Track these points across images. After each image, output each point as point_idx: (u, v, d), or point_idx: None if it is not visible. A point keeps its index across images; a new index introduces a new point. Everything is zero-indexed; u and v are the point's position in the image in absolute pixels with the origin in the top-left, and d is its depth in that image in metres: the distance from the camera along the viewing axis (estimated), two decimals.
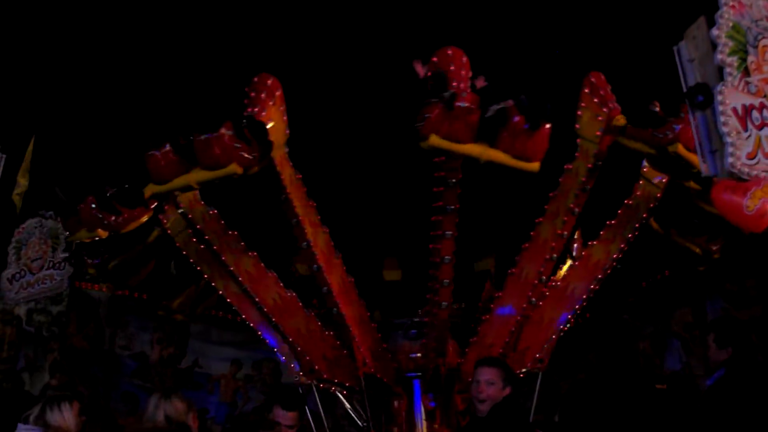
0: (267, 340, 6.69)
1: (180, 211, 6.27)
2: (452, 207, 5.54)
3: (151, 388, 9.91)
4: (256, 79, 5.56)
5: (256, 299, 6.21)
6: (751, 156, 3.71)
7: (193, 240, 6.48)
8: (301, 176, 5.86)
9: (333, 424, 6.72)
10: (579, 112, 5.78)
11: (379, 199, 6.51)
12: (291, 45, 6.75)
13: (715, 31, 3.77)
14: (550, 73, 5.48)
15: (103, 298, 10.29)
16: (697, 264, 6.77)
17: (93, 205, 5.64)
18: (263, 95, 5.49)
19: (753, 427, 4.76)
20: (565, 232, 6.04)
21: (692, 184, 6.12)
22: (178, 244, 6.50)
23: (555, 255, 6.12)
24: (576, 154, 5.92)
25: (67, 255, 7.23)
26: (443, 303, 5.96)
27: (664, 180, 6.16)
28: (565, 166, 6.00)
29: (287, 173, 5.72)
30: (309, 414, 6.27)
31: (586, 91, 5.74)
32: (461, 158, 5.16)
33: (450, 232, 5.62)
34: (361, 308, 6.24)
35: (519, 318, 6.19)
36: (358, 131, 6.49)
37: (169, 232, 6.49)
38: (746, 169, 3.70)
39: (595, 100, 5.69)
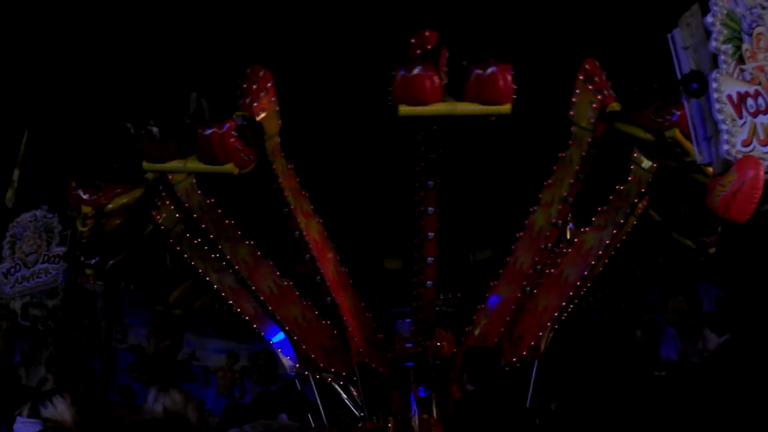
0: (263, 333, 6.69)
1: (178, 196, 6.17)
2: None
3: (147, 380, 9.90)
4: (248, 71, 5.53)
5: (252, 288, 6.19)
6: (747, 143, 3.72)
7: (186, 235, 6.50)
8: (293, 166, 5.86)
9: (330, 413, 6.70)
10: (573, 99, 5.76)
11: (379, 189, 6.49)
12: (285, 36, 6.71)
13: (709, 19, 3.77)
14: (546, 60, 5.46)
15: (98, 292, 10.26)
16: (693, 257, 6.84)
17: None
18: (254, 86, 5.51)
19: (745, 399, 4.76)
20: (559, 221, 6.04)
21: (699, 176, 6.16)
22: (171, 240, 6.49)
23: (549, 244, 6.11)
24: (569, 142, 5.91)
25: (63, 249, 7.17)
26: (427, 282, 6.01)
27: (654, 165, 6.15)
28: (559, 155, 5.97)
29: (279, 163, 5.73)
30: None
31: (581, 78, 5.71)
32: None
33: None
34: (355, 298, 6.24)
35: (513, 307, 6.16)
36: (358, 122, 6.45)
37: (162, 227, 6.45)
38: (741, 156, 3.71)
39: (590, 87, 5.67)
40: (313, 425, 6.22)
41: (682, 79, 3.86)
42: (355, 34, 6.20)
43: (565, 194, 5.95)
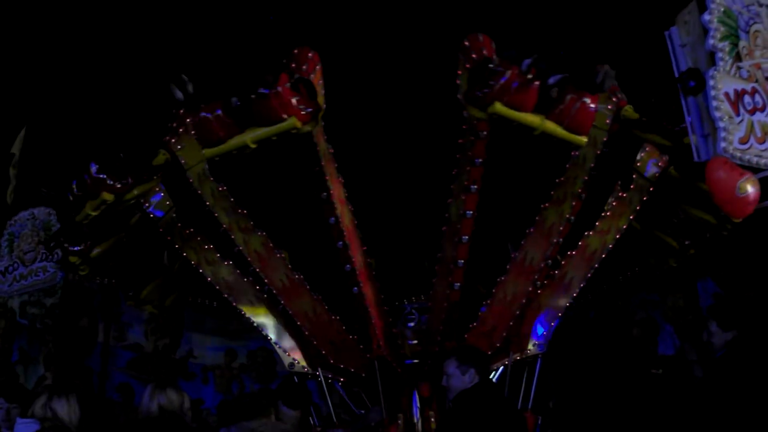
0: (260, 329, 6.57)
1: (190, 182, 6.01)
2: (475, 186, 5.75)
3: (146, 379, 9.89)
4: (296, 52, 5.59)
5: (265, 280, 6.12)
6: (744, 141, 3.73)
7: (178, 225, 6.30)
8: (333, 150, 5.88)
9: (328, 411, 6.67)
10: None
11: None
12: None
13: (706, 16, 3.78)
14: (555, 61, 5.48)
15: (96, 290, 10.25)
16: (673, 257, 7.03)
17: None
18: (304, 67, 5.55)
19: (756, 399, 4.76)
20: (572, 216, 6.13)
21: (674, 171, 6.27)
22: (161, 229, 6.28)
23: (560, 239, 6.17)
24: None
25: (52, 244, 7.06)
26: (456, 284, 6.01)
27: (656, 174, 6.30)
28: (572, 153, 6.07)
29: (322, 146, 5.74)
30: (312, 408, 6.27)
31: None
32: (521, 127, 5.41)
33: (471, 212, 5.82)
34: (377, 289, 6.21)
35: (524, 301, 6.19)
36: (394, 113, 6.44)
37: (151, 216, 6.25)
38: (738, 154, 3.72)
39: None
40: (311, 418, 6.21)
41: (679, 76, 3.87)
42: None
43: (579, 191, 6.07)
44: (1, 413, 5.74)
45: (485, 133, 5.60)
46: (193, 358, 11.03)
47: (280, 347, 6.44)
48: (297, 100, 5.37)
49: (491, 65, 5.34)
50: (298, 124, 5.43)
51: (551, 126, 5.46)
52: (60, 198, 5.93)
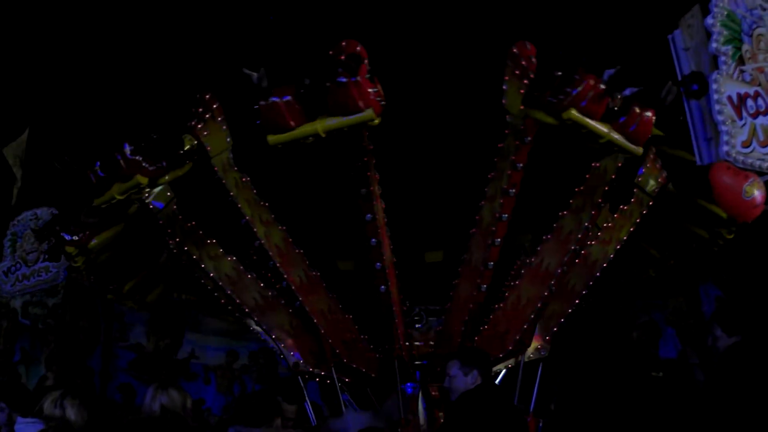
0: (261, 327, 6.50)
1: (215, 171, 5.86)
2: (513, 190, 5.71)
3: (147, 379, 9.90)
4: (344, 44, 5.31)
5: (284, 276, 6.05)
6: (746, 144, 3.74)
7: (179, 217, 6.18)
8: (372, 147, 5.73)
9: (331, 413, 6.67)
10: None
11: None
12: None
13: (709, 20, 3.78)
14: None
15: (99, 290, 10.25)
16: (652, 267, 7.26)
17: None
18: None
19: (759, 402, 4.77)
20: (591, 225, 6.18)
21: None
22: (161, 222, 6.13)
23: (578, 246, 6.21)
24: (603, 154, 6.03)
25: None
26: (483, 286, 6.01)
27: (656, 190, 6.40)
28: (593, 164, 6.10)
29: (366, 141, 5.63)
30: (308, 404, 6.26)
31: None
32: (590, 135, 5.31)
33: (507, 215, 5.80)
34: (399, 289, 6.17)
35: (539, 305, 6.21)
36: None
37: (151, 207, 6.10)
38: (741, 158, 3.72)
39: None
40: (311, 416, 6.23)
41: (682, 80, 3.87)
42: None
43: (599, 200, 6.11)
44: (3, 416, 5.74)
45: (530, 138, 5.59)
46: (195, 359, 11.06)
47: (283, 346, 6.38)
48: (374, 92, 5.10)
49: (561, 72, 5.21)
50: (374, 116, 5.10)
51: (616, 136, 5.32)
52: (79, 178, 5.65)
